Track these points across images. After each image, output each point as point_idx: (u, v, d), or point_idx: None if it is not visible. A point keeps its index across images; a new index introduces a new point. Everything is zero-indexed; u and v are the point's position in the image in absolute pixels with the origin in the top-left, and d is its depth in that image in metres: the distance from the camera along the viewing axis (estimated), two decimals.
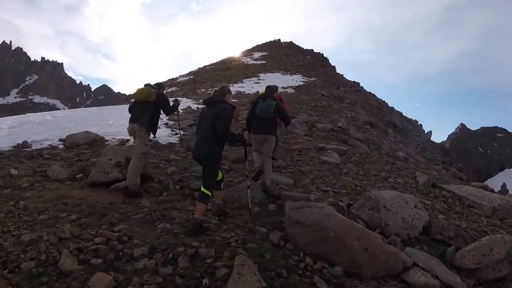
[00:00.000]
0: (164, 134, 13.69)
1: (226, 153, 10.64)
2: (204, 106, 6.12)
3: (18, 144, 11.80)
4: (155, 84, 7.88)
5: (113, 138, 12.83)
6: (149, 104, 7.35)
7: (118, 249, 4.76)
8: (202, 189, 5.67)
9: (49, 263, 4.54)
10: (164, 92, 9.10)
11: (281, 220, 6.02)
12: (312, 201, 6.32)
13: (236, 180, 8.35)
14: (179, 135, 12.78)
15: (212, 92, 6.36)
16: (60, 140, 12.57)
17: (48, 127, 15.99)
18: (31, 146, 11.89)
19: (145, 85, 7.67)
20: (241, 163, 9.70)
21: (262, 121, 7.90)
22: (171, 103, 8.03)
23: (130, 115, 7.63)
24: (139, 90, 7.51)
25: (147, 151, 7.72)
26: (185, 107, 23.85)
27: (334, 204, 6.78)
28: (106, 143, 12.37)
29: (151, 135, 7.85)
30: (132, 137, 7.81)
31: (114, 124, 15.90)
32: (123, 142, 12.41)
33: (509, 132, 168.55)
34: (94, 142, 12.15)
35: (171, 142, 12.46)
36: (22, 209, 6.16)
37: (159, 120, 8.01)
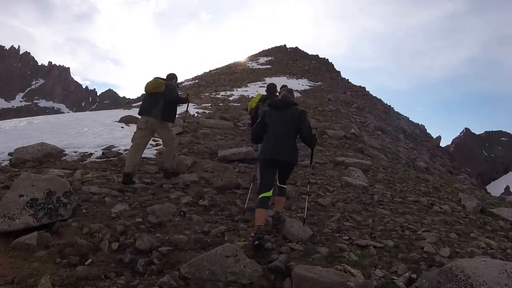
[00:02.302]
0: None
1: (209, 174, 7.65)
2: (271, 107, 5.49)
3: None
4: (167, 75, 7.82)
5: (74, 152, 9.82)
6: (159, 95, 7.23)
7: None
8: (281, 185, 5.52)
9: None
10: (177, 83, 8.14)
11: None
12: None
13: (215, 232, 4.99)
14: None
15: (282, 94, 5.79)
16: (9, 154, 9.63)
17: (9, 136, 13.03)
18: None
19: (154, 78, 7.52)
20: (231, 193, 6.77)
21: None
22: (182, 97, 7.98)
23: (141, 107, 7.51)
24: (147, 83, 7.38)
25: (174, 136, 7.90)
26: (182, 111, 21.43)
27: (387, 284, 3.76)
28: (63, 158, 9.41)
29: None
30: (139, 130, 7.45)
31: (87, 132, 12.90)
32: (84, 156, 9.44)
33: None
34: (47, 158, 9.14)
35: (145, 157, 9.41)
36: None
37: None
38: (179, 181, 6.94)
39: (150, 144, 10.77)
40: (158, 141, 11.45)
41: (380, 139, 22.56)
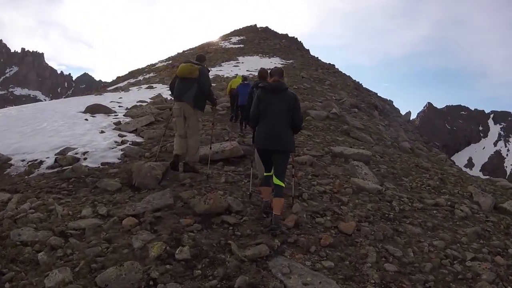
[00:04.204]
0: (103, 144, 8.26)
1: (188, 192, 5.33)
2: (265, 91, 5.01)
3: None
4: (196, 56, 7.17)
5: (22, 160, 7.45)
6: (192, 80, 6.56)
7: None
8: (277, 181, 4.76)
9: None
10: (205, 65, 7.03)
11: None
12: None
13: None
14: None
15: (273, 79, 5.17)
16: None
17: None
18: None
19: (186, 62, 6.93)
20: (220, 225, 4.49)
21: None
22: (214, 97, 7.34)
23: (174, 92, 6.81)
24: (182, 67, 6.71)
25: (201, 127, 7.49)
26: (155, 94, 19.08)
27: None
28: (7, 171, 7.04)
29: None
30: (176, 117, 6.78)
31: (44, 128, 10.43)
32: (32, 166, 7.09)
33: (471, 109, 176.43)
34: None
35: (106, 163, 7.17)
36: None
37: None
38: (146, 208, 4.66)
39: (115, 142, 8.52)
40: (125, 136, 9.22)
41: (358, 117, 21.44)
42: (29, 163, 7.34)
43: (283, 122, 4.86)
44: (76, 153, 7.58)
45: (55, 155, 7.57)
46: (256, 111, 5.02)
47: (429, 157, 15.02)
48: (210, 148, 7.09)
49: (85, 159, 7.27)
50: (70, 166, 6.64)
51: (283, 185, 4.80)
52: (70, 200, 5.21)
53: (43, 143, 8.61)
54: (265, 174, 5.05)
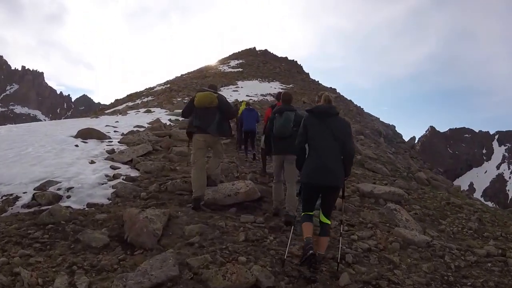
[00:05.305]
0: (91, 178, 6.97)
1: (198, 259, 3.92)
2: (313, 116, 4.47)
3: None
4: (210, 86, 6.87)
5: None
6: (212, 110, 6.32)
7: None
8: (325, 219, 4.36)
9: None
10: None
11: None
12: None
13: None
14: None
15: (322, 100, 4.58)
16: None
17: None
18: None
19: (201, 90, 6.56)
20: None
21: (282, 140, 5.83)
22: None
23: (197, 123, 6.36)
24: (201, 97, 6.35)
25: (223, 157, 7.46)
26: (153, 119, 17.93)
27: None
28: None
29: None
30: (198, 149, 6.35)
31: (29, 154, 9.18)
32: (6, 203, 5.83)
33: (475, 132, 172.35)
34: None
35: (93, 204, 5.91)
36: None
37: None
38: (142, 284, 3.29)
39: (106, 176, 7.27)
40: (118, 168, 7.99)
41: (366, 145, 20.59)
42: (3, 198, 6.07)
43: (335, 153, 4.33)
44: (59, 189, 6.35)
45: (34, 189, 6.34)
46: (304, 139, 4.46)
47: (448, 189, 13.91)
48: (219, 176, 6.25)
49: (68, 197, 6.04)
50: (49, 207, 5.41)
51: (330, 222, 4.44)
52: (42, 260, 3.94)
53: (22, 173, 7.34)
54: (304, 213, 4.39)
